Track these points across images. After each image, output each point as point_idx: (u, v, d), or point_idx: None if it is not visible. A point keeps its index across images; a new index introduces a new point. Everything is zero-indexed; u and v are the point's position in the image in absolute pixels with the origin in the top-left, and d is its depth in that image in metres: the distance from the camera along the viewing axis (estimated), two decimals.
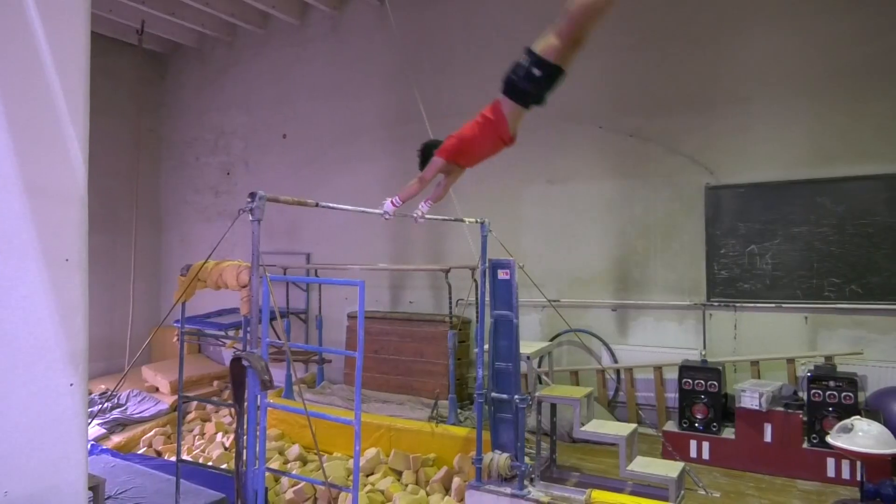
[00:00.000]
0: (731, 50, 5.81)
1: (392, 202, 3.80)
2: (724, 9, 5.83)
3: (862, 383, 4.96)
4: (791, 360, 5.41)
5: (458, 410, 5.77)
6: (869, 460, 4.01)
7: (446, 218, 5.07)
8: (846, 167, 5.35)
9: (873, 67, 5.28)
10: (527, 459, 4.41)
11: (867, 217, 5.27)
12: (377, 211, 3.86)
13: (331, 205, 3.62)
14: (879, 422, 4.21)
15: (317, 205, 3.42)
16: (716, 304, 5.82)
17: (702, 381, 5.22)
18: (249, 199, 2.88)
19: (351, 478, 4.83)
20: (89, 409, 4.71)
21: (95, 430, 6.20)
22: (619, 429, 4.55)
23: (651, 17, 6.14)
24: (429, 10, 7.33)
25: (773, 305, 5.61)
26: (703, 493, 4.56)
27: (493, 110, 3.63)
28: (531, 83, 3.41)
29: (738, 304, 5.75)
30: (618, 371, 6.14)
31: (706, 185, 5.86)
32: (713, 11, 5.88)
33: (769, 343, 5.61)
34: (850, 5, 5.36)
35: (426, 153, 3.88)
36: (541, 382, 5.74)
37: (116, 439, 6.24)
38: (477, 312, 5.56)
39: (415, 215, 4.11)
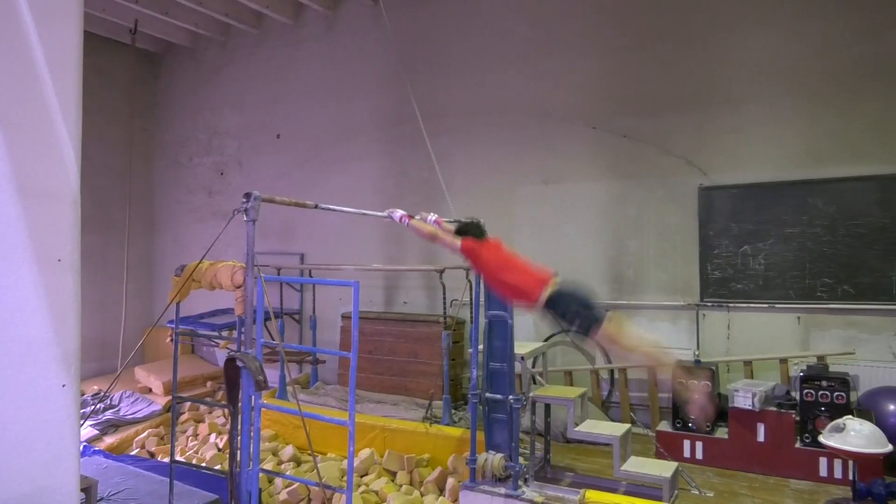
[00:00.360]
0: (724, 51, 5.84)
1: (403, 218, 3.87)
2: (717, 10, 5.86)
3: (854, 383, 4.99)
4: (784, 360, 5.43)
5: (453, 411, 5.77)
6: (861, 460, 4.03)
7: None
8: (838, 168, 5.38)
9: (865, 68, 5.31)
10: (521, 460, 4.41)
11: (859, 218, 5.30)
12: (379, 214, 3.87)
13: (330, 206, 3.62)
14: (871, 421, 4.24)
15: (316, 206, 3.41)
16: (709, 304, 5.85)
17: (695, 382, 5.23)
18: (244, 200, 2.88)
19: (345, 478, 4.83)
20: (82, 410, 4.68)
21: (88, 431, 6.17)
22: (613, 429, 4.56)
23: (644, 18, 6.16)
24: (423, 10, 7.33)
25: (765, 306, 5.63)
26: (697, 492, 4.57)
27: (537, 281, 3.76)
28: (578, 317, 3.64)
29: (731, 305, 5.77)
30: (611, 371, 6.16)
31: (699, 185, 5.89)
32: (706, 13, 5.90)
33: (762, 343, 5.64)
34: (842, 7, 5.39)
35: (464, 230, 4.00)
36: (535, 383, 5.74)
37: (109, 440, 6.20)
38: (471, 313, 5.56)
39: (428, 218, 4.19)
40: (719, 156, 5.85)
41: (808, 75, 5.52)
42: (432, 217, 4.29)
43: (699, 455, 5.15)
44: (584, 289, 3.70)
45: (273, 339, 5.78)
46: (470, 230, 3.98)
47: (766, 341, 5.62)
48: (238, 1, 7.48)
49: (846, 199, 5.35)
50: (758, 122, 5.70)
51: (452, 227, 4.18)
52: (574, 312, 3.59)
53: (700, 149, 5.93)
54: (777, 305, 5.59)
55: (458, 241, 3.87)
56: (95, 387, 7.41)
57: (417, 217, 3.98)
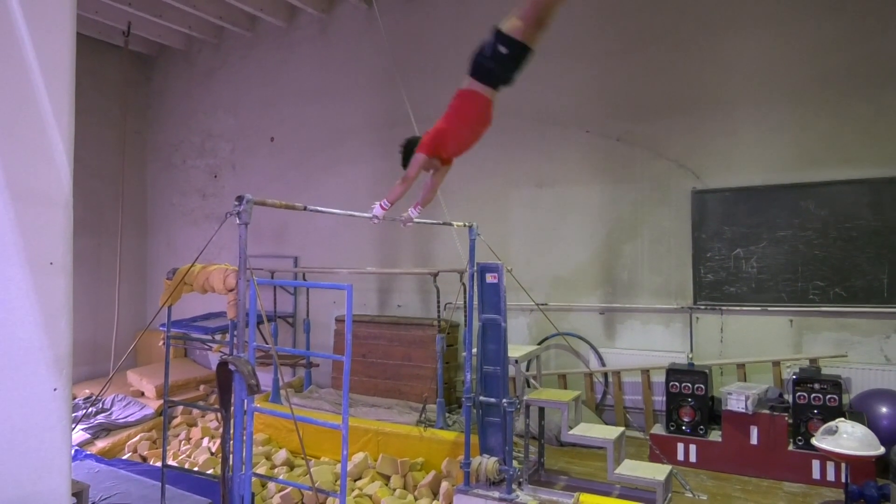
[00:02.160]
0: (716, 55, 5.87)
1: (381, 205, 3.77)
2: (708, 14, 5.89)
3: (846, 385, 5.02)
4: (776, 363, 5.46)
5: (447, 414, 5.77)
6: (853, 462, 4.05)
7: (435, 222, 5.07)
8: (830, 171, 5.42)
9: (856, 72, 5.35)
10: (515, 463, 4.41)
11: (851, 221, 5.33)
12: (366, 215, 3.84)
13: (319, 208, 3.61)
14: (863, 424, 4.26)
15: (305, 208, 3.40)
16: (702, 307, 5.86)
17: (689, 384, 5.25)
18: (237, 203, 2.87)
19: (338, 482, 4.80)
20: (73, 414, 4.66)
21: (79, 435, 6.13)
22: (607, 432, 4.56)
23: (636, 21, 6.19)
24: (416, 13, 7.34)
25: (758, 308, 5.66)
26: (691, 495, 4.58)
27: (461, 95, 3.64)
28: (497, 62, 3.46)
29: (724, 308, 5.79)
30: (605, 374, 6.17)
31: (692, 189, 5.91)
32: (697, 17, 5.94)
33: (755, 346, 5.66)
34: (833, 10, 5.43)
35: (408, 149, 3.85)
36: (529, 386, 5.74)
37: (101, 444, 6.17)
38: (465, 316, 5.56)
39: (401, 220, 4.09)
40: (712, 159, 5.88)
41: (800, 79, 5.56)
42: (412, 211, 4.17)
43: (693, 458, 5.16)
44: (484, 46, 3.53)
45: (266, 343, 5.77)
46: (412, 143, 3.82)
47: (759, 344, 5.65)
48: (232, 4, 7.47)
49: (838, 202, 5.38)
50: (750, 125, 5.73)
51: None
52: (493, 58, 3.48)
53: (693, 152, 5.96)
54: (770, 308, 5.61)
55: (417, 157, 3.69)
56: (87, 390, 7.37)
57: (375, 204, 3.84)
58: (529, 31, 3.39)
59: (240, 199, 2.87)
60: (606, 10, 6.34)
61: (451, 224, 4.92)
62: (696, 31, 5.94)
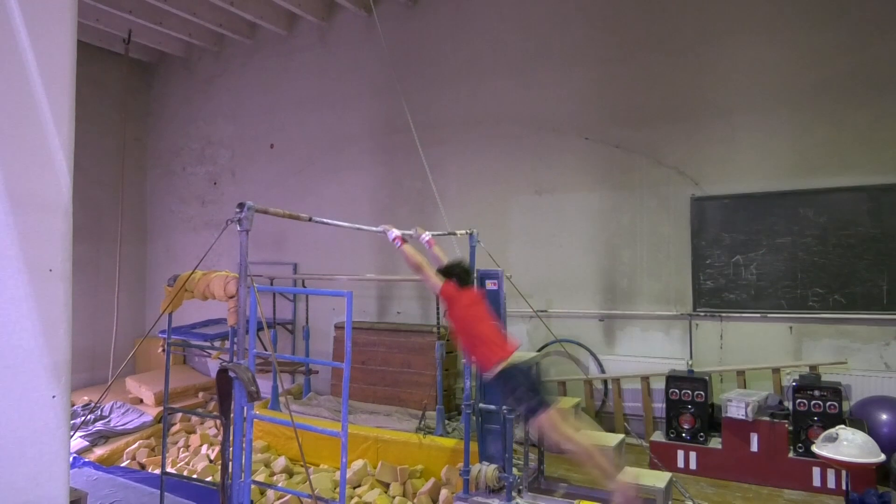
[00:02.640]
0: (715, 62, 5.89)
1: (396, 239, 3.89)
2: (707, 21, 5.91)
3: (846, 393, 5.01)
4: (776, 370, 5.45)
5: (446, 421, 5.75)
6: (854, 469, 4.03)
7: (436, 233, 5.07)
8: (829, 178, 5.43)
9: (855, 79, 5.37)
10: (515, 471, 4.40)
11: (850, 228, 5.34)
12: (374, 229, 3.88)
13: (324, 220, 3.61)
14: (864, 431, 4.25)
15: (310, 219, 3.40)
16: (702, 314, 5.86)
17: (688, 392, 5.24)
18: (238, 210, 2.87)
19: (338, 490, 4.79)
20: (72, 421, 4.64)
21: (78, 442, 6.11)
22: (607, 439, 4.55)
23: (635, 29, 6.22)
24: (416, 21, 7.37)
25: (758, 315, 5.65)
26: (691, 503, 4.56)
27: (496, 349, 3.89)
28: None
29: (723, 314, 5.79)
30: (605, 381, 6.16)
31: (691, 195, 5.92)
32: (696, 24, 5.96)
33: (755, 353, 5.65)
34: (831, 18, 5.46)
35: (452, 273, 4.05)
36: None
37: (99, 452, 6.14)
38: None
39: (422, 238, 4.22)
40: (711, 166, 5.89)
41: (798, 86, 5.58)
42: (426, 236, 4.30)
43: (693, 465, 5.15)
44: (535, 372, 3.82)
45: (266, 350, 5.76)
46: (456, 273, 4.02)
47: (759, 351, 5.64)
48: (232, 11, 7.50)
49: (837, 209, 5.39)
50: (748, 132, 5.75)
51: (442, 254, 4.21)
52: (521, 394, 3.70)
53: (691, 159, 5.97)
54: (769, 315, 5.61)
55: (439, 283, 3.92)
56: (86, 397, 7.35)
57: (411, 233, 3.99)
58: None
59: (241, 206, 2.88)
60: (605, 18, 6.37)
61: (454, 234, 4.94)
62: (694, 39, 5.97)
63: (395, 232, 3.95)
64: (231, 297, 4.71)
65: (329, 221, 3.68)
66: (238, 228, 2.90)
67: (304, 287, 7.35)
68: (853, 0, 5.37)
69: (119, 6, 7.38)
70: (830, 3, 5.46)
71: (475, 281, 4.50)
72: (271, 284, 7.14)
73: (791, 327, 5.56)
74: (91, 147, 8.36)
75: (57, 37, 2.12)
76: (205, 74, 9.14)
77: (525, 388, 3.70)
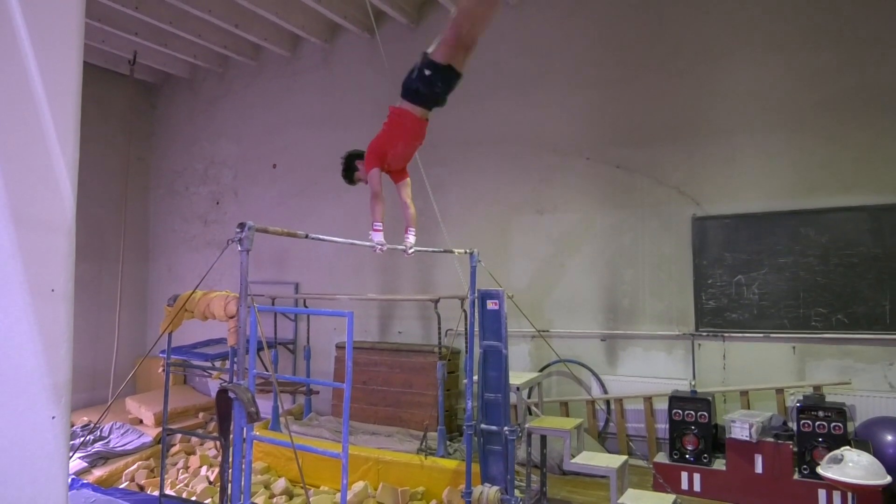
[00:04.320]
0: (715, 82, 5.93)
1: (374, 229, 3.85)
2: (707, 43, 5.97)
3: (850, 413, 4.97)
4: (780, 390, 5.41)
5: (448, 442, 5.70)
6: (860, 491, 3.99)
7: (436, 249, 5.08)
8: (829, 198, 5.44)
9: (854, 100, 5.40)
10: (517, 492, 4.36)
11: (851, 247, 5.33)
12: (368, 244, 3.87)
13: (320, 236, 3.62)
14: (869, 452, 4.21)
15: (307, 236, 3.42)
16: (704, 333, 5.84)
17: (692, 412, 5.20)
18: (238, 230, 2.88)
19: None
20: (71, 442, 4.61)
21: (76, 463, 6.06)
22: (610, 461, 4.51)
23: (635, 50, 6.27)
24: (418, 42, 7.37)
25: (760, 335, 5.63)
26: None
27: (393, 113, 3.85)
28: (424, 84, 3.66)
29: (726, 334, 5.77)
30: (608, 402, 6.11)
31: (692, 215, 5.93)
32: (696, 45, 6.02)
33: (758, 373, 5.62)
34: (830, 39, 5.50)
35: (348, 161, 4.11)
36: (530, 413, 5.69)
37: (98, 473, 6.09)
38: (466, 343, 5.54)
39: (404, 249, 4.13)
40: (711, 186, 5.91)
41: (798, 106, 5.61)
42: (409, 239, 4.21)
43: (697, 487, 5.09)
44: (412, 69, 3.74)
45: (266, 370, 5.73)
46: (352, 157, 4.09)
47: (762, 371, 5.61)
48: (236, 33, 7.59)
49: (838, 228, 5.39)
50: (749, 152, 5.77)
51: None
52: (419, 79, 3.66)
53: (692, 179, 5.99)
54: (772, 335, 5.59)
55: (368, 173, 3.88)
56: (85, 418, 7.31)
57: (371, 233, 3.92)
58: (454, 53, 3.58)
59: (241, 226, 2.89)
60: (606, 39, 6.43)
61: (452, 251, 4.93)
62: (694, 60, 6.02)
63: (372, 233, 3.88)
64: (231, 318, 4.70)
65: (325, 238, 3.70)
66: (239, 248, 2.91)
67: (306, 307, 7.33)
68: (851, 21, 5.43)
69: (125, 28, 7.48)
70: (829, 25, 5.51)
71: (478, 296, 4.50)
72: (272, 304, 7.13)
73: (794, 347, 5.53)
74: (95, 166, 8.41)
75: (63, 58, 2.14)
76: (208, 95, 9.22)
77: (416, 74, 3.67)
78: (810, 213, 5.48)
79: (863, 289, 5.28)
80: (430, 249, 4.98)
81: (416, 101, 3.74)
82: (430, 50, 3.63)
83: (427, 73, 3.62)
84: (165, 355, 5.21)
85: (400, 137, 3.85)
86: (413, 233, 4.14)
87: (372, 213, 3.88)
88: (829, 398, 5.09)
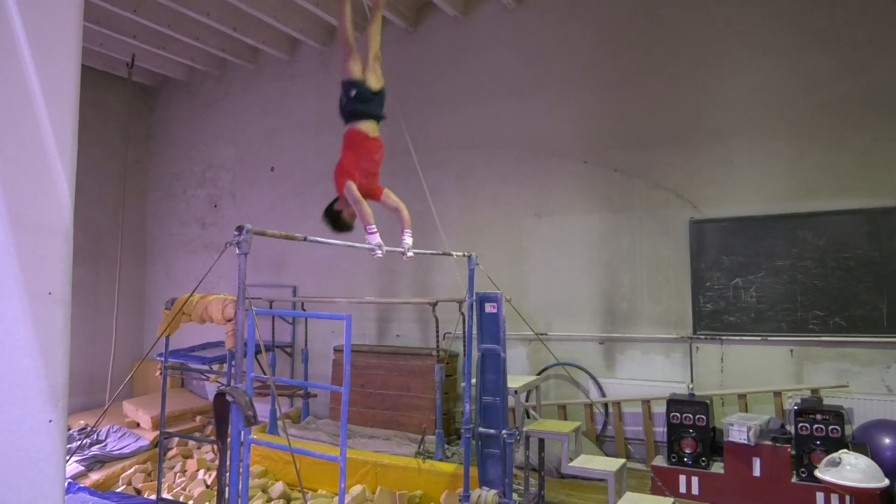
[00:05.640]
0: (712, 86, 5.95)
1: (368, 231, 3.86)
2: (704, 46, 5.98)
3: (848, 416, 4.97)
4: (778, 393, 5.42)
5: (446, 446, 5.70)
6: (858, 494, 3.99)
7: (434, 252, 5.08)
8: (827, 201, 5.45)
9: (851, 103, 5.42)
10: (515, 496, 4.35)
11: (848, 250, 5.34)
12: (366, 246, 3.87)
13: (318, 239, 3.62)
14: (867, 455, 4.21)
15: (305, 239, 3.41)
16: (702, 336, 5.84)
17: (690, 415, 5.20)
18: (236, 233, 2.88)
19: None
20: (67, 446, 4.59)
21: (73, 467, 6.04)
22: (608, 464, 4.51)
23: (633, 53, 6.29)
24: (416, 46, 7.46)
25: (758, 338, 5.63)
26: None
27: (346, 135, 4.07)
28: (356, 102, 4.02)
29: (724, 337, 5.77)
30: (606, 405, 6.12)
31: (690, 218, 5.93)
32: (693, 49, 6.03)
33: (756, 376, 5.62)
34: (827, 43, 5.52)
35: (332, 216, 4.26)
36: (528, 417, 5.69)
37: (95, 477, 6.08)
38: (464, 346, 5.54)
39: (403, 252, 4.13)
40: (709, 189, 5.92)
41: (795, 109, 5.62)
42: (406, 239, 4.21)
43: (695, 490, 5.09)
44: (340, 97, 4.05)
45: (264, 373, 5.72)
46: (330, 209, 4.28)
47: (760, 374, 5.61)
48: (235, 36, 7.60)
49: (835, 232, 5.40)
50: (746, 155, 5.78)
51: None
52: (342, 98, 4.05)
53: (690, 182, 6.00)
54: (770, 338, 5.59)
55: (346, 189, 3.92)
56: (82, 421, 7.29)
57: (367, 237, 3.94)
58: (352, 62, 4.08)
59: (239, 228, 2.88)
60: (604, 43, 6.45)
61: (450, 254, 4.93)
62: (692, 63, 6.03)
63: (368, 236, 3.90)
64: (229, 321, 4.70)
65: (323, 240, 3.70)
66: (237, 251, 2.90)
67: (304, 310, 7.33)
68: (847, 26, 5.44)
69: (123, 31, 7.48)
70: (826, 29, 5.53)
71: (476, 299, 4.55)
72: (270, 307, 7.12)
73: (792, 350, 5.54)
74: (92, 169, 8.41)
75: (61, 61, 2.14)
76: (206, 98, 9.22)
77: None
78: (807, 216, 5.49)
79: (860, 292, 5.29)
80: (429, 252, 4.98)
81: (358, 118, 4.02)
82: (345, 75, 4.08)
83: (353, 93, 4.00)
84: (163, 359, 5.20)
85: (359, 154, 4.00)
86: (409, 234, 4.14)
87: (361, 218, 3.92)
88: (826, 401, 5.10)
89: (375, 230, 3.87)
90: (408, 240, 4.12)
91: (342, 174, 3.95)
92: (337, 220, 4.20)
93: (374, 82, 4.07)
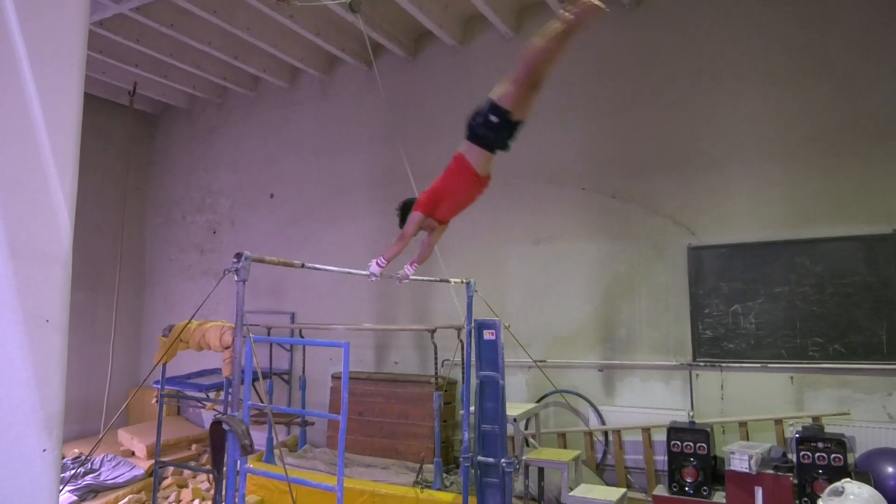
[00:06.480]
0: (708, 114, 6.01)
1: (377, 263, 3.83)
2: (700, 75, 6.06)
3: (850, 444, 4.93)
4: (779, 421, 5.37)
5: (444, 475, 5.63)
6: None
7: (432, 279, 5.08)
8: (824, 228, 5.47)
9: (846, 131, 5.47)
10: None
11: (846, 277, 5.35)
12: (363, 272, 3.87)
13: (316, 266, 3.63)
14: (870, 484, 4.16)
15: (303, 266, 3.42)
16: (702, 363, 5.81)
17: (690, 443, 5.15)
18: (235, 260, 2.88)
19: None
20: (61, 475, 4.52)
21: (66, 497, 5.96)
22: (609, 493, 4.46)
23: (630, 81, 6.37)
24: (415, 74, 7.55)
25: (758, 365, 5.61)
26: None
27: (456, 159, 3.77)
28: (489, 130, 3.56)
29: (723, 364, 5.74)
30: (605, 433, 6.06)
31: (688, 245, 5.95)
32: (689, 77, 6.11)
33: (756, 403, 5.58)
34: (822, 72, 5.59)
35: (405, 210, 3.97)
36: (528, 445, 5.63)
37: None
38: (463, 373, 5.51)
39: (397, 277, 4.13)
40: (706, 216, 5.95)
41: (791, 137, 5.67)
42: (409, 270, 4.23)
43: None
44: (477, 113, 3.62)
45: (261, 401, 5.68)
46: (409, 204, 3.95)
47: (761, 401, 5.57)
48: (236, 65, 7.70)
49: (833, 258, 5.41)
50: (743, 182, 5.82)
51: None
52: (485, 125, 3.56)
53: (687, 209, 6.03)
54: (770, 365, 5.57)
55: (413, 216, 3.80)
56: (76, 450, 7.20)
57: (371, 262, 3.91)
58: (522, 94, 3.50)
59: (238, 255, 2.89)
60: (601, 72, 6.53)
61: (448, 281, 4.93)
62: (688, 92, 6.10)
63: (372, 262, 3.88)
64: (227, 348, 4.68)
65: (321, 267, 3.70)
66: (235, 278, 2.91)
67: (302, 337, 7.30)
68: (841, 55, 5.52)
69: (126, 60, 7.59)
70: (819, 60, 5.61)
71: (474, 326, 4.48)
72: (268, 334, 7.09)
73: (792, 377, 5.51)
74: (92, 195, 8.44)
75: (64, 89, 2.16)
76: (207, 125, 9.30)
77: (480, 118, 3.56)
78: (805, 242, 5.51)
79: (859, 318, 5.28)
80: (427, 278, 4.99)
81: (481, 144, 3.67)
82: (494, 94, 3.55)
83: (494, 119, 3.53)
84: (159, 386, 5.16)
85: (462, 183, 3.81)
86: (414, 269, 4.16)
87: (387, 249, 3.83)
88: (827, 429, 5.05)
89: (384, 265, 3.84)
90: (409, 270, 4.13)
91: (428, 201, 3.80)
92: (404, 220, 3.93)
93: (521, 113, 3.62)
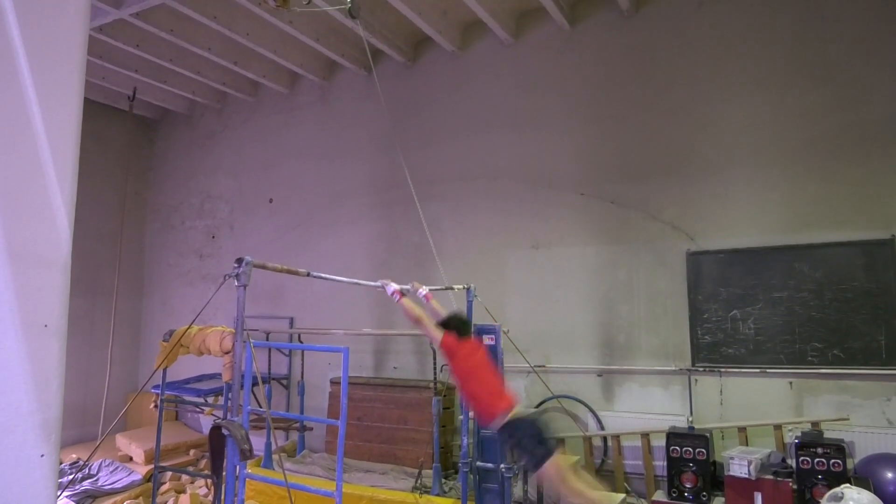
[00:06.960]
0: (707, 119, 6.02)
1: (394, 293, 3.92)
2: (699, 81, 6.08)
3: (850, 450, 4.92)
4: (778, 427, 5.36)
5: (443, 480, 5.61)
6: None
7: (433, 288, 5.07)
8: (823, 233, 5.47)
9: (845, 137, 5.48)
10: None
11: (845, 282, 5.35)
12: (372, 283, 3.89)
13: (322, 275, 3.62)
14: (869, 489, 4.16)
15: (308, 274, 3.41)
16: (700, 369, 5.81)
17: (689, 449, 5.14)
18: (236, 265, 2.88)
19: None
20: (58, 480, 4.50)
21: (64, 502, 5.93)
22: (608, 499, 4.44)
23: (629, 87, 6.38)
24: (414, 79, 7.57)
25: (757, 370, 5.61)
26: None
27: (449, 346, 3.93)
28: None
29: (722, 369, 5.74)
30: (605, 438, 6.05)
31: (687, 250, 5.95)
32: (688, 83, 6.12)
33: (755, 408, 5.58)
34: (821, 77, 5.61)
35: (451, 325, 4.03)
36: None
37: None
38: None
39: (402, 290, 4.20)
40: (705, 221, 5.95)
41: (790, 143, 5.68)
42: (423, 290, 4.32)
43: None
44: (541, 422, 3.70)
45: (260, 406, 5.66)
46: (454, 325, 4.00)
47: (760, 406, 5.57)
48: (235, 70, 7.71)
49: (832, 263, 5.41)
50: (742, 188, 5.83)
51: (441, 308, 4.22)
52: (525, 446, 3.62)
53: (686, 214, 6.03)
54: (769, 370, 5.56)
55: (439, 335, 3.90)
56: (74, 455, 7.18)
57: (408, 287, 4.01)
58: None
59: (239, 261, 2.89)
60: (599, 77, 6.55)
61: (451, 288, 4.94)
62: (686, 97, 6.12)
63: (394, 286, 3.97)
64: (227, 353, 4.67)
65: (327, 276, 3.70)
66: (235, 284, 2.90)
67: (301, 342, 7.29)
68: (838, 62, 5.54)
69: (125, 65, 7.60)
70: (818, 66, 5.62)
71: (473, 332, 4.48)
72: (267, 339, 7.09)
73: (791, 382, 5.51)
74: (91, 201, 8.44)
75: (64, 95, 2.17)
76: (206, 130, 9.31)
77: (531, 438, 3.61)
78: (804, 248, 5.51)
79: (858, 324, 5.28)
80: (429, 288, 4.98)
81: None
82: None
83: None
84: (159, 391, 5.15)
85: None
86: (422, 293, 4.32)
87: (410, 304, 3.97)
88: (827, 434, 5.05)
89: (400, 297, 4.00)
90: (422, 290, 4.35)
91: (451, 349, 3.91)
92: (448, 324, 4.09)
93: None
